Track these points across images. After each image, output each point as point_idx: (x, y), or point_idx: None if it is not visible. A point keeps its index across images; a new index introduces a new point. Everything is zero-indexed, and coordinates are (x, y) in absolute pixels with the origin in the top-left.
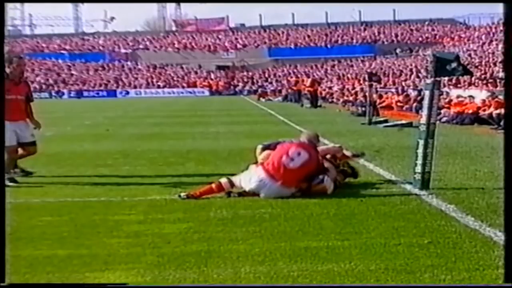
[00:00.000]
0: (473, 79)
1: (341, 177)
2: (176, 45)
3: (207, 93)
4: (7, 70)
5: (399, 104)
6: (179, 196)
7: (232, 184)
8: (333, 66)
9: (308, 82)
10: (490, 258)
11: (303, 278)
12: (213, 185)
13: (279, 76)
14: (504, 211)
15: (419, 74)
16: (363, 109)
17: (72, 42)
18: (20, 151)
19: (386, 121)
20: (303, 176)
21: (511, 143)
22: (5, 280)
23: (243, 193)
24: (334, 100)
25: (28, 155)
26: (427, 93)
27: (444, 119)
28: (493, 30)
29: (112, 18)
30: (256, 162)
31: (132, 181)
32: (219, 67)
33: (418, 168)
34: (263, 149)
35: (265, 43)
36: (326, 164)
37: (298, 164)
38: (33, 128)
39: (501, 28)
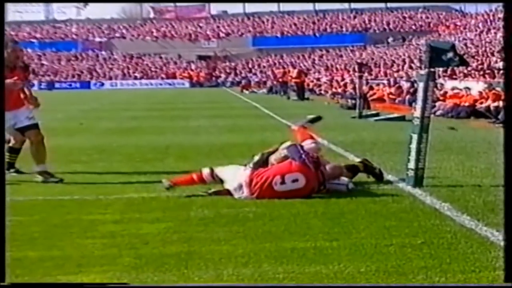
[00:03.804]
0: (469, 69)
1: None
2: (154, 34)
3: (187, 84)
4: None
5: (391, 96)
6: (163, 185)
7: (213, 176)
8: (321, 56)
9: (294, 73)
10: (486, 259)
11: (289, 280)
12: (194, 175)
13: (264, 67)
14: (504, 209)
15: (412, 65)
16: (353, 101)
17: (42, 30)
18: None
19: (377, 114)
20: (285, 197)
21: (511, 138)
22: (5, 280)
23: (221, 192)
24: (322, 92)
25: (33, 145)
26: (421, 84)
27: (439, 112)
28: (491, 17)
29: (86, 4)
30: (268, 157)
31: (107, 178)
32: (200, 57)
33: (411, 164)
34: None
35: (249, 31)
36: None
37: (287, 189)
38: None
39: (500, 15)
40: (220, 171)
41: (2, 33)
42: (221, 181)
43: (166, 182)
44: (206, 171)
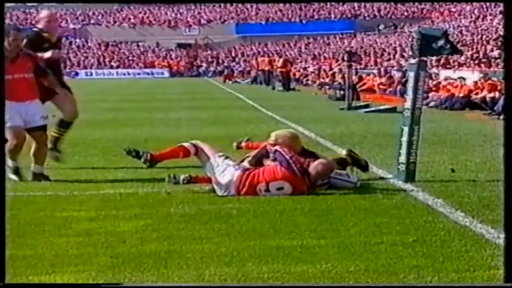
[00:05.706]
0: (464, 59)
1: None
2: (132, 20)
3: (166, 74)
4: None
5: (381, 86)
6: (144, 161)
7: (197, 150)
8: (308, 44)
9: (280, 62)
10: (481, 258)
11: (275, 280)
12: (180, 151)
13: (248, 56)
14: (504, 207)
15: (404, 53)
16: (342, 92)
17: (12, 16)
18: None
19: (367, 106)
20: None
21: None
22: (5, 280)
23: (193, 179)
24: (309, 82)
25: (38, 147)
26: (411, 74)
27: (432, 103)
28: (487, 3)
29: None
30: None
31: (82, 173)
32: (180, 45)
33: (403, 158)
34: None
35: (232, 18)
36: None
37: (273, 196)
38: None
39: (496, 1)
40: (206, 148)
41: (2, 33)
42: (203, 156)
43: (148, 155)
44: (187, 144)
